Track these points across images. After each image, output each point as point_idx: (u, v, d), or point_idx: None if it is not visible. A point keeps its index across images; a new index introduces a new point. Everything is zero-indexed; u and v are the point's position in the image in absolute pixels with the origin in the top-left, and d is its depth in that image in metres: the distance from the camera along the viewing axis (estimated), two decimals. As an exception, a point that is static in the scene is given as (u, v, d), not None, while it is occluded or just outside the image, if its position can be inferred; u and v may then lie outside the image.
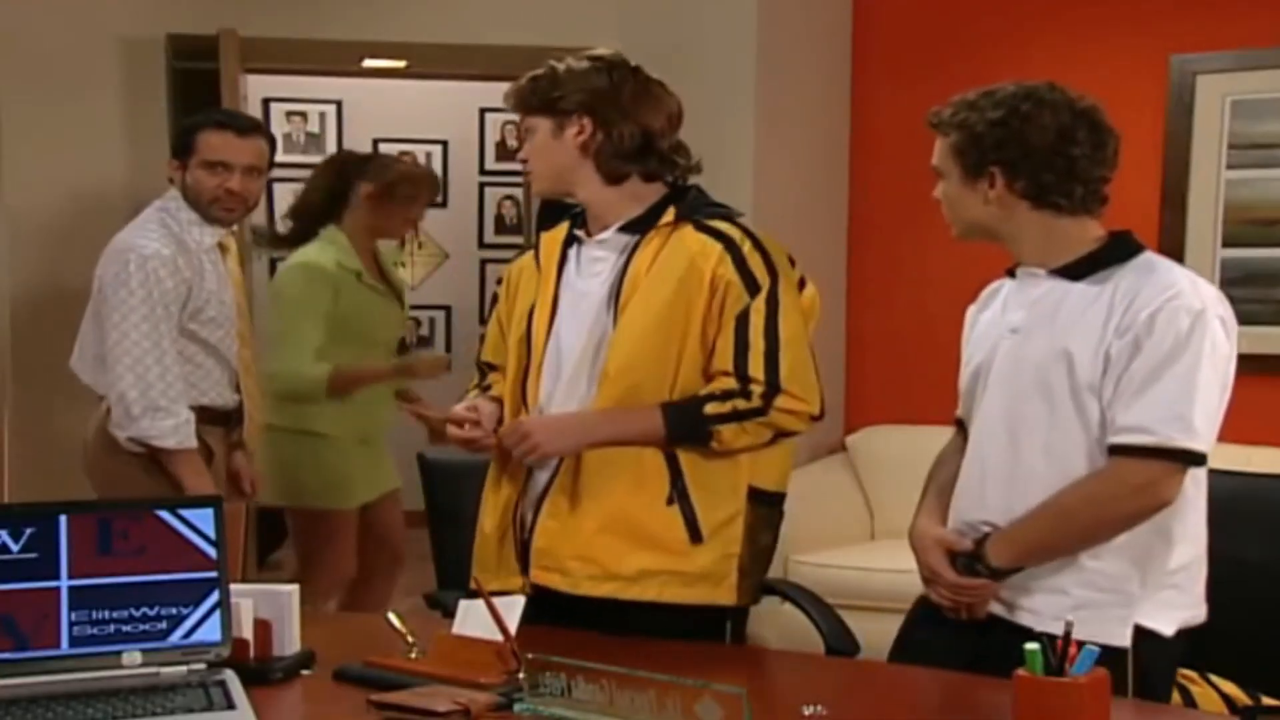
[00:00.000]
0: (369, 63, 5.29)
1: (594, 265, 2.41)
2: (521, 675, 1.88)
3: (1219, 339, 2.15)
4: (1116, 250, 2.23)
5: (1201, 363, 2.11)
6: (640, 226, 2.37)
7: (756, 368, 2.27)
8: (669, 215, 2.36)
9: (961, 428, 2.41)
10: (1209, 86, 4.53)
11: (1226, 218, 4.54)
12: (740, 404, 2.27)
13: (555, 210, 2.51)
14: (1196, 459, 2.12)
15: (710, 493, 2.30)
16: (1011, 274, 2.34)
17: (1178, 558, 2.18)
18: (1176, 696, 2.13)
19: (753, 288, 2.28)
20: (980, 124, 2.21)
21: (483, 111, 7.08)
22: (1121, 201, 4.77)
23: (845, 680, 2.18)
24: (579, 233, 2.43)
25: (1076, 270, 2.22)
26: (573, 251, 2.44)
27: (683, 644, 2.19)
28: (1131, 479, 2.12)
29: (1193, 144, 4.56)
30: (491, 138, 7.28)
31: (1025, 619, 2.18)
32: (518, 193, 6.99)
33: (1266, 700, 2.08)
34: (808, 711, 1.85)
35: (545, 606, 2.27)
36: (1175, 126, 4.58)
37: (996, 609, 2.22)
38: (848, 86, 5.12)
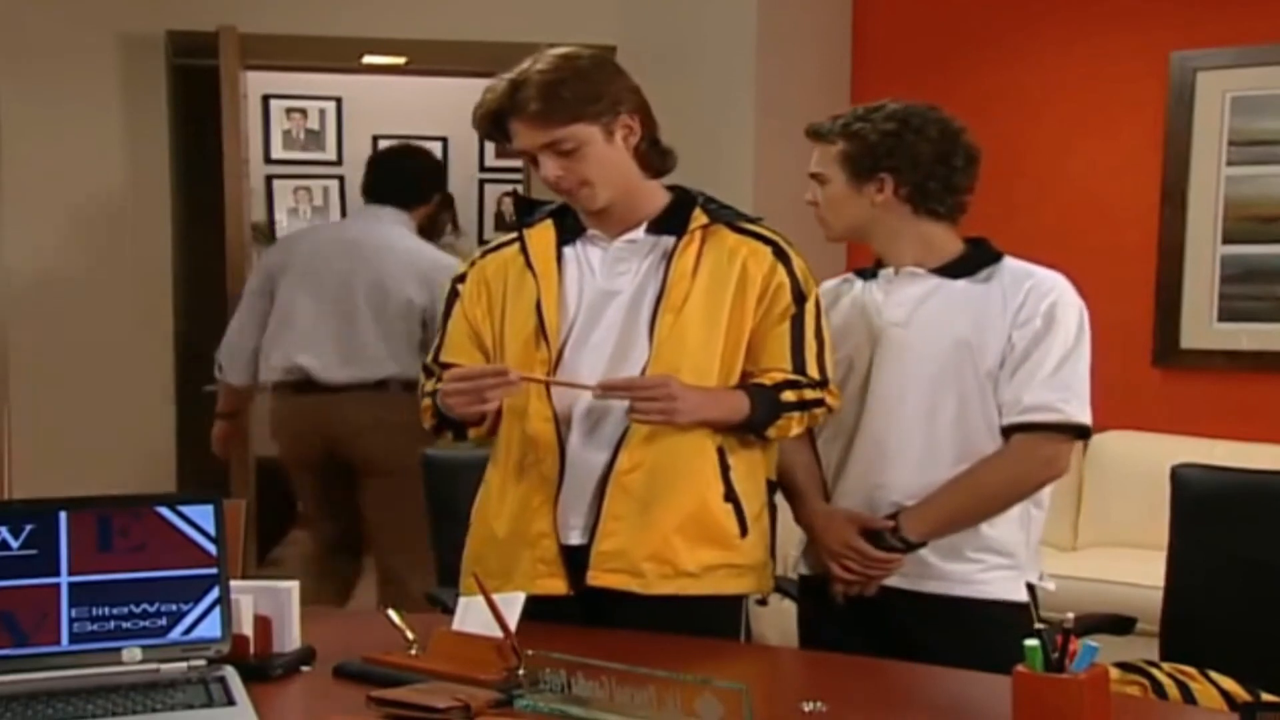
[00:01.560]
0: (369, 59, 5.29)
1: (619, 265, 2.33)
2: (521, 672, 1.89)
3: (1089, 332, 2.43)
4: (985, 254, 2.47)
5: (1085, 352, 2.39)
6: (667, 227, 2.33)
7: (813, 367, 2.32)
8: (701, 218, 2.32)
9: None
10: (1209, 83, 4.53)
11: (1226, 214, 4.54)
12: (808, 394, 2.32)
13: (529, 206, 2.46)
14: (1088, 432, 2.40)
15: (750, 484, 2.34)
16: (865, 274, 2.53)
17: (1042, 520, 2.48)
18: (1176, 692, 2.14)
19: (801, 293, 2.33)
20: (874, 134, 2.43)
21: (482, 108, 7.08)
22: (1122, 198, 4.82)
23: (844, 676, 2.17)
24: (594, 233, 2.36)
25: (956, 270, 2.45)
26: (575, 251, 2.37)
27: (684, 639, 2.19)
28: (1040, 452, 2.38)
29: (1193, 140, 4.56)
30: (491, 135, 7.27)
31: (932, 587, 2.40)
32: (518, 189, 7.00)
33: (1266, 697, 2.08)
34: (807, 708, 1.85)
35: (586, 606, 2.27)
36: (1175, 123, 4.58)
37: (895, 581, 2.41)
38: (848, 84, 5.12)
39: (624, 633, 2.22)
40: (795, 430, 2.35)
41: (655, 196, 2.37)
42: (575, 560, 2.28)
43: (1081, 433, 2.39)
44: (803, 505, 2.52)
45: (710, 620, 2.30)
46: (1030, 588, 2.40)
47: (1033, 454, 2.38)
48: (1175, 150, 4.58)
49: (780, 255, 2.33)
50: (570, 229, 2.38)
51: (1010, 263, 2.45)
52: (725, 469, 2.30)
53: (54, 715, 1.81)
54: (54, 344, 4.47)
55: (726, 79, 4.64)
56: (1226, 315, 4.58)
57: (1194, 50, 4.55)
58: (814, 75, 4.97)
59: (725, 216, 2.35)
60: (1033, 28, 4.82)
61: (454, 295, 2.44)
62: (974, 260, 2.45)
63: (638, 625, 2.24)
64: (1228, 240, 4.55)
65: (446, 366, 2.40)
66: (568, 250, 2.37)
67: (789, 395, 2.30)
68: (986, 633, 2.21)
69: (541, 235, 2.38)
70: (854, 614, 2.43)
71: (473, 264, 2.46)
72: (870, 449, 2.45)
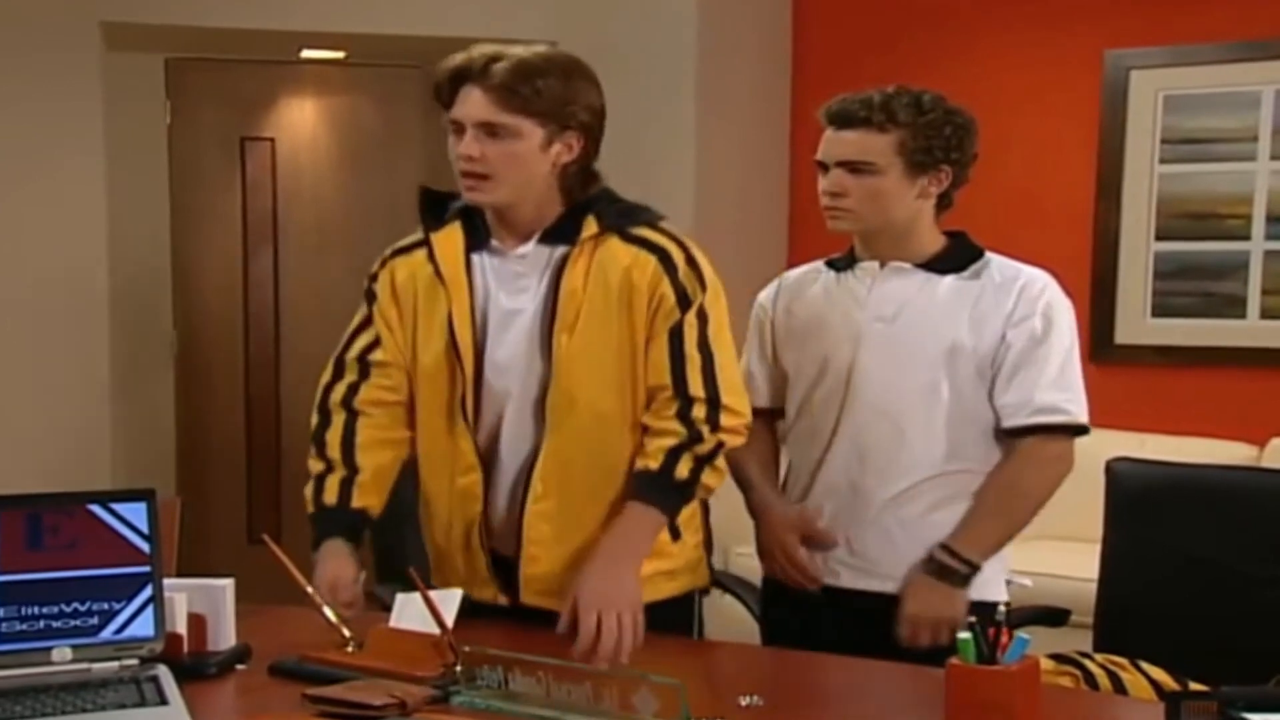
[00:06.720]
0: (307, 53, 5.24)
1: (518, 281, 2.22)
2: (459, 668, 1.88)
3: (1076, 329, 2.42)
4: (969, 249, 2.42)
5: (1078, 351, 2.38)
6: (559, 237, 2.20)
7: (695, 384, 2.17)
8: (592, 227, 2.18)
9: (767, 415, 2.53)
10: (1142, 81, 4.59)
11: (1160, 211, 4.60)
12: (699, 449, 2.17)
13: (437, 202, 2.31)
14: (1087, 431, 2.37)
15: None
16: (837, 265, 2.47)
17: None
18: (1107, 682, 2.16)
19: (685, 301, 2.18)
20: (948, 125, 2.35)
21: (423, 103, 7.04)
22: (1057, 195, 4.87)
23: (782, 671, 2.18)
24: (495, 243, 2.24)
25: (944, 265, 2.39)
26: (482, 261, 2.25)
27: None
28: (1055, 451, 2.35)
29: (1127, 138, 4.62)
30: (432, 129, 7.23)
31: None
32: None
33: (1195, 686, 2.11)
34: (744, 702, 1.86)
35: (528, 613, 2.24)
36: (1110, 121, 4.64)
37: (878, 586, 2.36)
38: (788, 81, 5.14)
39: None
40: (716, 482, 2.22)
41: (554, 206, 2.23)
42: (511, 574, 2.26)
43: (1082, 432, 2.37)
44: (752, 492, 2.50)
45: (659, 623, 2.23)
46: (1008, 585, 2.42)
47: (1054, 454, 2.35)
48: (1109, 148, 4.64)
49: (665, 263, 2.18)
50: (478, 234, 2.26)
51: (996, 259, 2.40)
52: None
53: (-18, 716, 1.79)
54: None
55: (667, 75, 4.63)
56: (1160, 311, 4.64)
57: (1127, 49, 4.60)
58: (755, 71, 4.98)
59: (619, 224, 2.21)
60: (968, 26, 4.86)
61: (371, 295, 2.33)
62: (959, 255, 2.39)
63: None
64: (1161, 237, 4.61)
65: (373, 365, 2.32)
66: (475, 259, 2.26)
67: (682, 470, 2.16)
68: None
69: (449, 241, 2.26)
70: (828, 622, 2.37)
71: (384, 263, 2.34)
72: (853, 449, 2.38)
